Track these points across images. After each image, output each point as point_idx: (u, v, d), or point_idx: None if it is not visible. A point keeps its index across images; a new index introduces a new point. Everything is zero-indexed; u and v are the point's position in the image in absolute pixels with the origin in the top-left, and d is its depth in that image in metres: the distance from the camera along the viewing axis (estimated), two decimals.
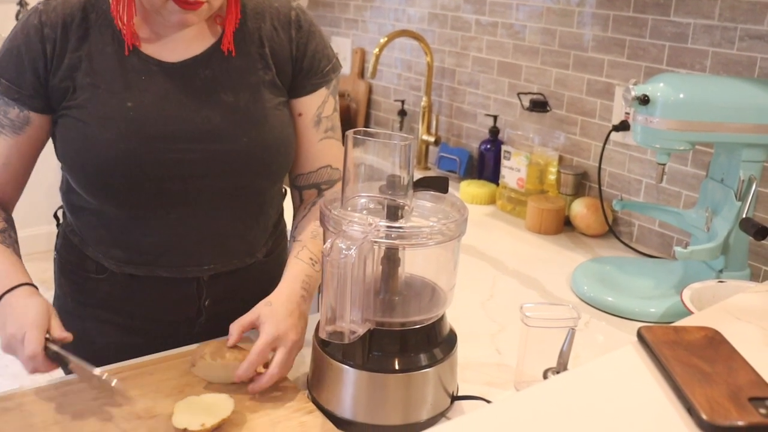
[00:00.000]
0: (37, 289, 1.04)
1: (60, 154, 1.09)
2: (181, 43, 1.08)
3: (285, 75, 1.14)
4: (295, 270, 1.09)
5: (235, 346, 1.03)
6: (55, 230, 1.28)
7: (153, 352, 1.12)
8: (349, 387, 0.96)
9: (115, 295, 1.18)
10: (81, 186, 1.09)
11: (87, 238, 1.17)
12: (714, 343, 0.83)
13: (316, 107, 1.17)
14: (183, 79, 1.07)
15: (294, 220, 1.22)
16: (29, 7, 3.32)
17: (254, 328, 1.04)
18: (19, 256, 1.09)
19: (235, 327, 1.04)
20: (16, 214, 1.17)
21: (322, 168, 1.19)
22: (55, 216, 1.28)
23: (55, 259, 1.25)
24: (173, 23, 1.04)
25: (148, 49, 1.07)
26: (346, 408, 0.97)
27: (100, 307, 1.19)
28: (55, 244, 1.26)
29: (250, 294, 1.19)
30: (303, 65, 1.14)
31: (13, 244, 1.10)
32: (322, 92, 1.17)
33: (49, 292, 1.19)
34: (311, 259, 1.11)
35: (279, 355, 1.00)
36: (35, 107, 1.07)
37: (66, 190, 1.18)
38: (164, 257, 1.14)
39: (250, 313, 1.05)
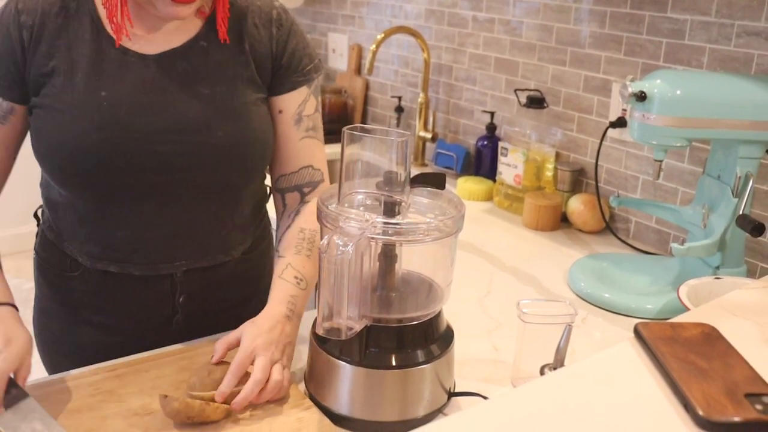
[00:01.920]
0: (18, 312, 1.01)
1: (34, 145, 1.08)
2: (162, 34, 1.08)
3: (265, 71, 1.13)
4: (280, 292, 1.07)
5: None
6: (35, 229, 1.25)
7: (133, 352, 1.10)
8: (346, 383, 0.96)
9: (89, 292, 1.16)
10: (54, 177, 1.08)
11: (63, 234, 1.15)
12: (710, 339, 0.83)
13: (297, 105, 1.16)
14: (160, 70, 1.06)
15: (278, 229, 1.19)
16: None
17: (237, 345, 1.01)
18: (1, 269, 1.06)
19: (221, 344, 1.01)
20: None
21: (303, 168, 1.17)
22: (35, 215, 1.26)
23: (34, 258, 1.23)
24: (163, 15, 1.03)
25: (128, 40, 1.06)
26: (343, 404, 0.97)
27: (77, 306, 1.17)
28: (34, 243, 1.24)
29: (227, 292, 1.17)
30: (282, 62, 1.14)
31: None
32: (303, 91, 1.17)
33: (30, 284, 1.20)
34: (296, 278, 1.09)
35: (256, 363, 0.97)
36: (14, 98, 1.06)
37: (45, 185, 1.16)
38: (136, 253, 1.12)
39: (235, 331, 1.02)
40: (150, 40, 1.07)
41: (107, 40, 1.05)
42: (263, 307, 1.06)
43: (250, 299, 1.23)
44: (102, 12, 1.06)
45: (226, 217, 1.17)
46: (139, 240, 1.11)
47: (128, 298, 1.15)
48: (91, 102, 1.03)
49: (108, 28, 1.05)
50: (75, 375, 1.04)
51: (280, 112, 1.16)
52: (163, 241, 1.12)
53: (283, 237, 1.15)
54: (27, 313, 1.19)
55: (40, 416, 0.87)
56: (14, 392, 0.88)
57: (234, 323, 1.06)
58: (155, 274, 1.14)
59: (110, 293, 1.15)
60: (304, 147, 1.17)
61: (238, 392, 0.95)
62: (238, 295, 1.08)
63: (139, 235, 1.11)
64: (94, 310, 1.17)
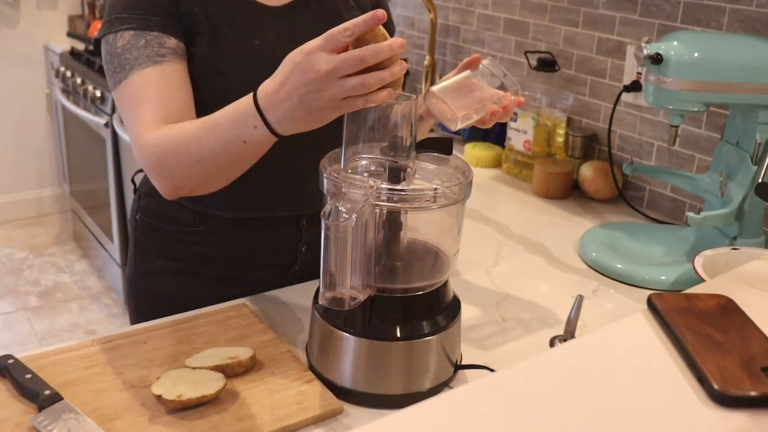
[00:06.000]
0: None
1: (196, 96, 1.12)
2: None
3: None
4: None
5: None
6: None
7: None
8: (349, 355, 0.95)
9: (214, 245, 1.22)
10: None
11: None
12: (727, 311, 0.82)
13: None
14: (290, 20, 1.17)
15: None
16: None
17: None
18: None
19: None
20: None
21: None
22: (132, 180, 1.34)
23: (135, 221, 1.29)
24: None
25: None
26: (346, 377, 0.96)
27: (193, 260, 1.23)
28: (133, 208, 1.31)
29: None
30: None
31: None
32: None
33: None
34: None
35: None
36: (182, 40, 1.11)
37: None
38: (279, 197, 1.21)
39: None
40: None
41: None
42: None
43: None
44: None
45: None
46: (283, 184, 1.20)
47: (256, 245, 1.23)
48: (247, 50, 1.12)
49: None
50: (70, 347, 1.03)
51: None
52: (303, 183, 1.20)
53: None
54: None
55: (74, 416, 0.89)
56: (48, 393, 0.91)
57: None
58: (284, 214, 1.22)
59: (238, 242, 1.21)
60: None
61: None
62: None
63: (281, 180, 1.20)
64: (214, 262, 1.23)
